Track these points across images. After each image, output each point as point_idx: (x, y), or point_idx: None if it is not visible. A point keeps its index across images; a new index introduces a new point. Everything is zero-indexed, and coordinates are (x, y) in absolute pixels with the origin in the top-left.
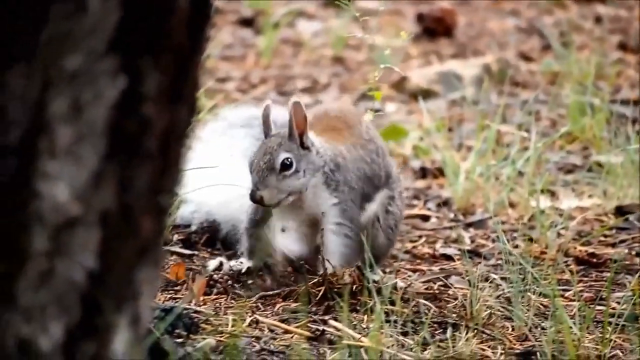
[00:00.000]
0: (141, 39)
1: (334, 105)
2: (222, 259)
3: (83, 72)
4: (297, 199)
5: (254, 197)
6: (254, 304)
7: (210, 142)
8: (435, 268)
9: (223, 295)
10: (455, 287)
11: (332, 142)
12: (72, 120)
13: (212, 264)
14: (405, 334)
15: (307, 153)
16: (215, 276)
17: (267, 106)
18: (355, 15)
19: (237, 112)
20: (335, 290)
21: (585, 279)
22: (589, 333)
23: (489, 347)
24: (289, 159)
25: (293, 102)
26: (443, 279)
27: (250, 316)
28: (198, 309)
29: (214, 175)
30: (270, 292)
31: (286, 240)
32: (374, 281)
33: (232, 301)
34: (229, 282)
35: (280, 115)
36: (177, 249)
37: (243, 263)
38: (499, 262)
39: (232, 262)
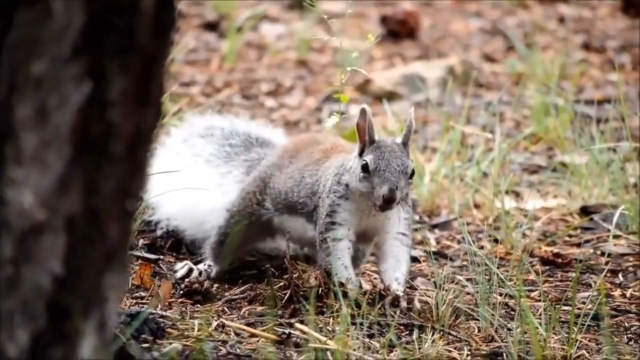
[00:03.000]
0: (106, 43)
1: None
2: (190, 264)
3: (48, 77)
4: None
5: (393, 196)
6: (220, 308)
7: (172, 148)
8: None
9: (189, 299)
10: (421, 289)
11: None
12: (37, 125)
13: (181, 270)
14: (371, 336)
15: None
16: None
17: (366, 111)
18: (318, 18)
19: (198, 120)
20: (301, 293)
21: (551, 279)
22: (554, 333)
23: (455, 348)
24: (413, 168)
25: (410, 112)
26: (409, 280)
27: (216, 320)
28: (164, 313)
29: (177, 181)
30: (237, 296)
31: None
32: (340, 284)
33: (198, 305)
34: (197, 286)
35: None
36: (142, 253)
37: (212, 267)
38: (465, 263)
39: (201, 267)
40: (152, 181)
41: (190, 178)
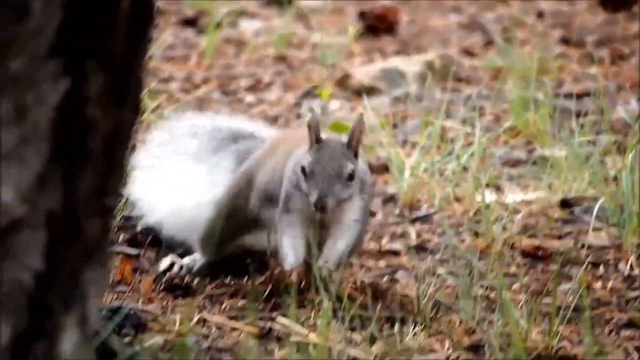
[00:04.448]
0: (84, 41)
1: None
2: (174, 258)
3: (26, 75)
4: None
5: (322, 204)
6: (201, 303)
7: (157, 149)
8: (382, 264)
9: (170, 294)
10: (402, 282)
11: None
12: (16, 123)
13: (163, 263)
14: (353, 329)
15: (357, 163)
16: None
17: (314, 112)
18: (297, 14)
19: (181, 122)
20: (282, 287)
21: (532, 271)
22: (536, 326)
23: (437, 341)
24: (353, 169)
25: (359, 116)
26: (390, 274)
27: (197, 314)
28: (145, 308)
29: (164, 177)
30: (218, 291)
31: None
32: (321, 277)
33: (180, 299)
34: (177, 280)
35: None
36: (123, 248)
37: (197, 260)
38: (446, 256)
39: (185, 260)
40: (138, 179)
41: (178, 173)
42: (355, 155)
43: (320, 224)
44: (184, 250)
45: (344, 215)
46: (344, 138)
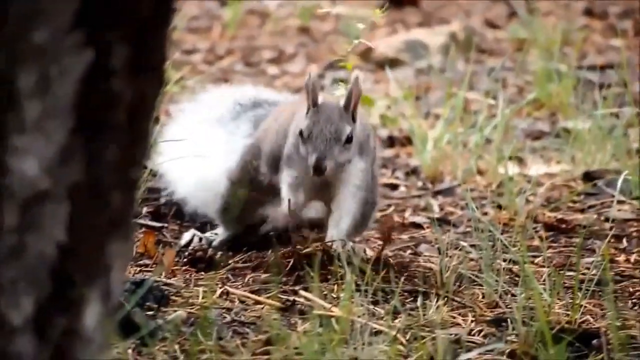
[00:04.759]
0: (107, 12)
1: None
2: (195, 231)
3: (50, 47)
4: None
5: (319, 167)
6: (224, 276)
7: (183, 121)
8: (405, 236)
9: (193, 267)
10: (424, 255)
11: None
12: (40, 95)
13: (185, 237)
14: (375, 303)
15: (354, 126)
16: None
17: (311, 75)
18: None
19: (209, 94)
20: (305, 260)
21: (555, 245)
22: (559, 299)
23: (459, 314)
24: (351, 132)
25: (355, 77)
26: (412, 247)
27: (220, 288)
28: (168, 281)
29: (186, 147)
30: (241, 264)
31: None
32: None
33: (202, 273)
34: (200, 254)
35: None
36: (146, 221)
37: (218, 234)
38: (468, 229)
39: (207, 234)
40: (163, 150)
41: (200, 140)
42: (353, 117)
43: (323, 186)
44: (206, 223)
45: (346, 178)
46: (341, 101)
